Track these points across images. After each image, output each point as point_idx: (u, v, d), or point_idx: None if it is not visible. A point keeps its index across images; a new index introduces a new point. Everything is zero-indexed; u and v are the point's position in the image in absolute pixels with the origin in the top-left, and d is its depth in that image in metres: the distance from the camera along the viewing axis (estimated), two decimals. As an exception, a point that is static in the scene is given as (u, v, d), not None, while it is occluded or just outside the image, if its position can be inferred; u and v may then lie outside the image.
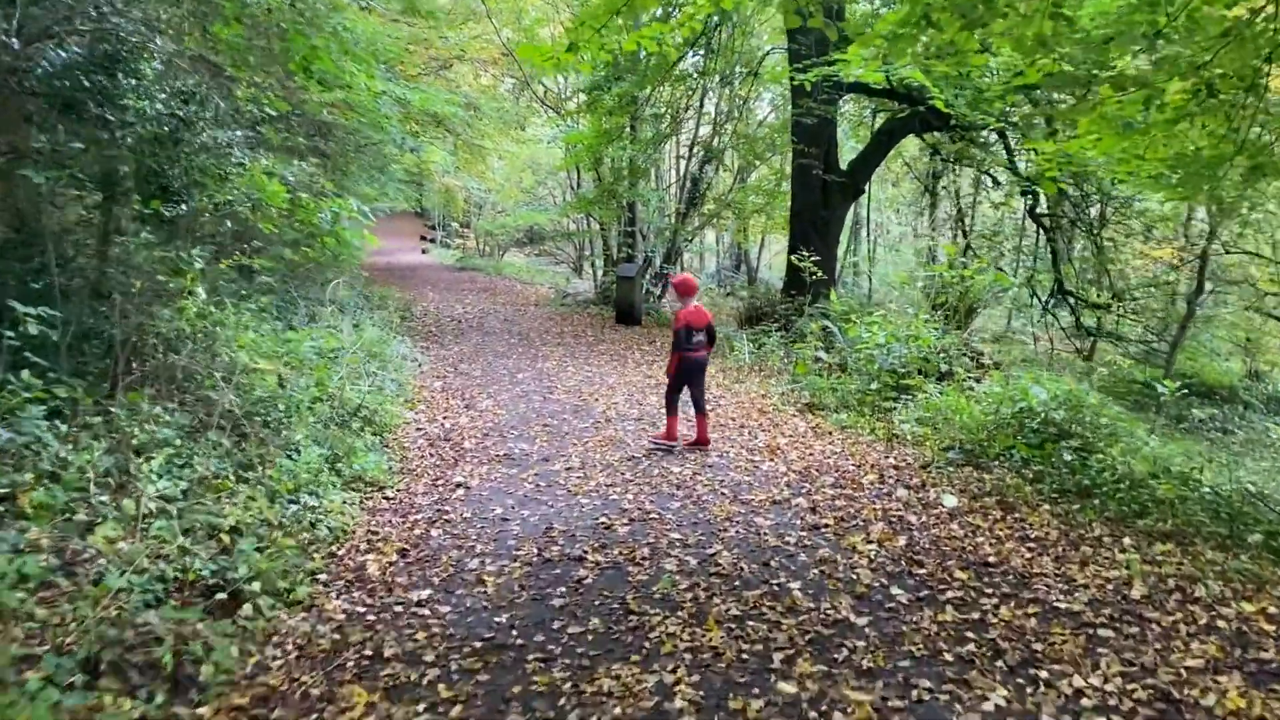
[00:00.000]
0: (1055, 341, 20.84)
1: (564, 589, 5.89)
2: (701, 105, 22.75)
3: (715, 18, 19.46)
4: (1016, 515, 7.10)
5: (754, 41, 21.73)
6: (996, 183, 18.43)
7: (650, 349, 15.92)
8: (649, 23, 7.55)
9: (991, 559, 6.26)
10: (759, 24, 21.93)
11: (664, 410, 9.47)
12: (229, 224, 7.67)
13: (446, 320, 18.83)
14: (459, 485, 8.10)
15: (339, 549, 6.60)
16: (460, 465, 8.70)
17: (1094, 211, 18.42)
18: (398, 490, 7.98)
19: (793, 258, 14.91)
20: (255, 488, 6.63)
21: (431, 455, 9.04)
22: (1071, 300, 17.60)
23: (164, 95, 7.48)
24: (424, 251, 37.98)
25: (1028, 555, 6.32)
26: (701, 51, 20.06)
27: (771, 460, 8.76)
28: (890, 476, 8.18)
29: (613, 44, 7.59)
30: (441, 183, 36.87)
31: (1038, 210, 17.67)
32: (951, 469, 8.28)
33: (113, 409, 6.61)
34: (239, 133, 8.67)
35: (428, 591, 5.90)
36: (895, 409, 10.25)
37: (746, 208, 22.59)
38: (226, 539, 5.93)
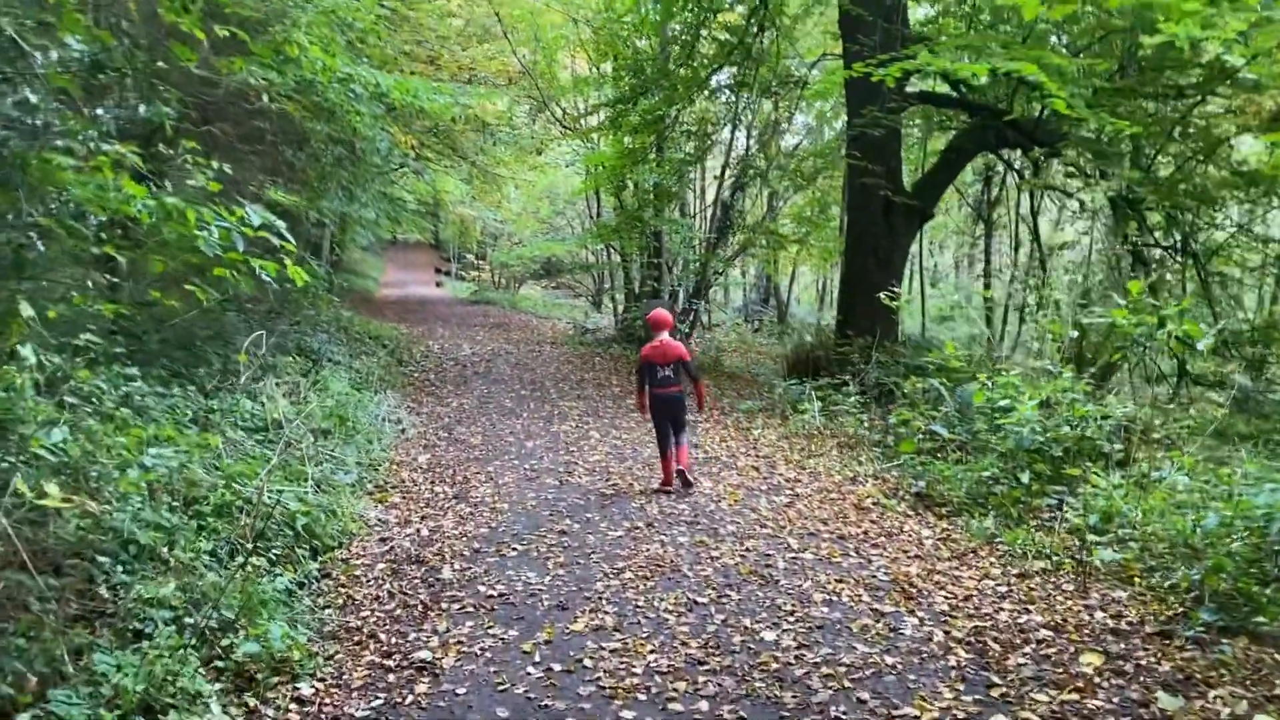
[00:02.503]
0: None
1: None
2: (735, 125, 19.50)
3: (755, 26, 16.31)
4: None
5: (788, 63, 18.47)
6: (1084, 206, 15.04)
7: (691, 404, 12.53)
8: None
9: None
10: (800, 34, 18.69)
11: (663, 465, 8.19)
12: (41, 245, 4.36)
13: (449, 364, 15.49)
14: (421, 668, 4.70)
15: None
16: (430, 619, 5.31)
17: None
18: (320, 681, 4.58)
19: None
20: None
21: (390, 598, 5.64)
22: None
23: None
24: (438, 285, 34.78)
25: None
26: (736, 65, 16.84)
27: (910, 611, 5.35)
28: (1121, 656, 4.75)
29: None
30: (456, 213, 33.74)
31: (1132, 239, 14.26)
32: (1220, 645, 4.84)
33: None
34: (107, 118, 5.40)
35: None
36: (1055, 507, 6.85)
37: (788, 236, 19.25)
38: None
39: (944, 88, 15.46)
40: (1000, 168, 20.54)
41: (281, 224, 4.87)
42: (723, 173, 20.50)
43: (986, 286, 21.02)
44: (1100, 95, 10.98)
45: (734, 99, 17.28)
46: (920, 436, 8.25)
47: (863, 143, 13.59)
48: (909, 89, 14.38)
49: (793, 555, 6.28)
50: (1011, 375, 7.79)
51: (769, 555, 6.28)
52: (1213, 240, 14.45)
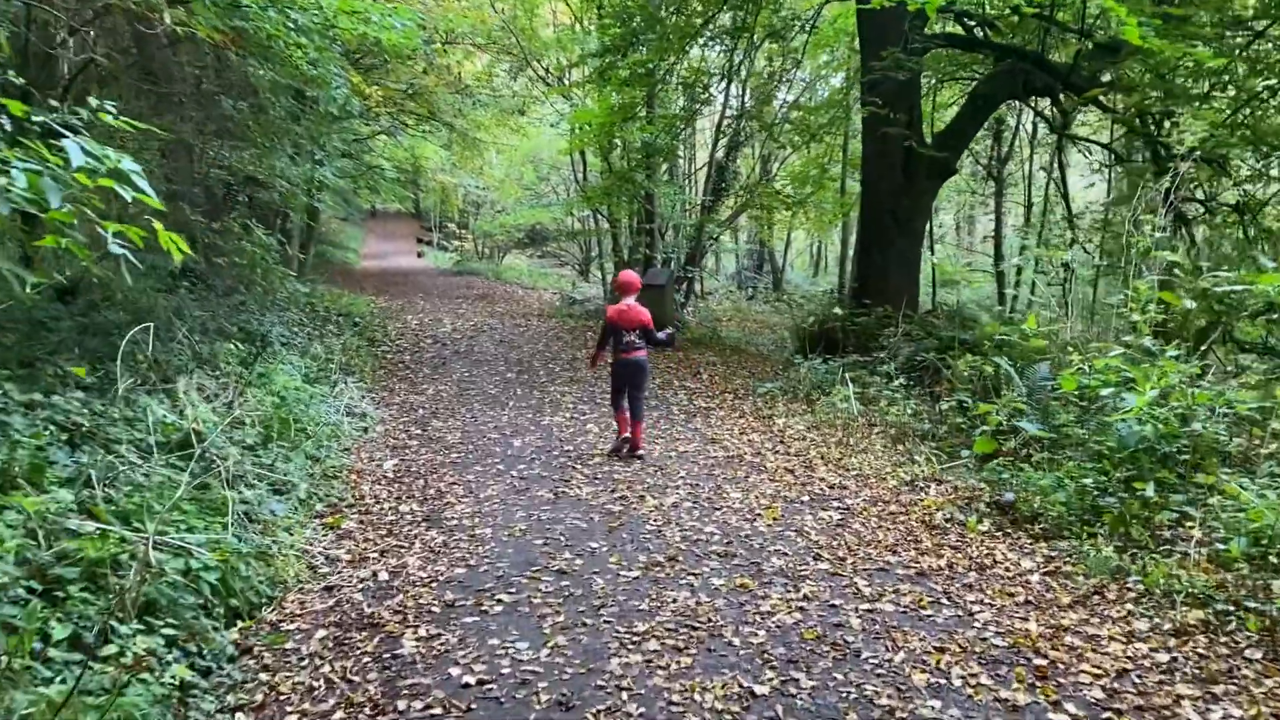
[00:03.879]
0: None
1: None
2: (731, 78, 17.65)
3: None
4: None
5: (786, 9, 16.59)
6: (1120, 159, 13.34)
7: (699, 386, 10.85)
8: None
9: None
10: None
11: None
12: None
13: (428, 343, 13.73)
14: (362, 834, 3.05)
15: None
16: (381, 731, 3.65)
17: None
18: None
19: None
20: None
21: (328, 689, 3.95)
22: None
23: None
24: (420, 255, 32.86)
25: None
26: (735, 9, 14.99)
27: (1053, 702, 3.72)
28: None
29: None
30: (436, 180, 31.75)
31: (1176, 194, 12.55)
32: None
33: None
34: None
35: None
36: (1175, 523, 5.24)
37: (790, 198, 17.53)
38: None
39: (957, 29, 13.76)
40: (1011, 120, 18.89)
41: (133, 165, 3.12)
42: (717, 131, 18.72)
43: (997, 248, 19.40)
44: (1168, 26, 9.24)
45: (732, 46, 15.39)
46: (1002, 430, 6.57)
47: (880, 90, 11.85)
48: (927, 30, 12.66)
49: (867, 606, 4.63)
50: (1112, 356, 6.13)
51: (835, 606, 4.64)
52: (1263, 193, 12.81)
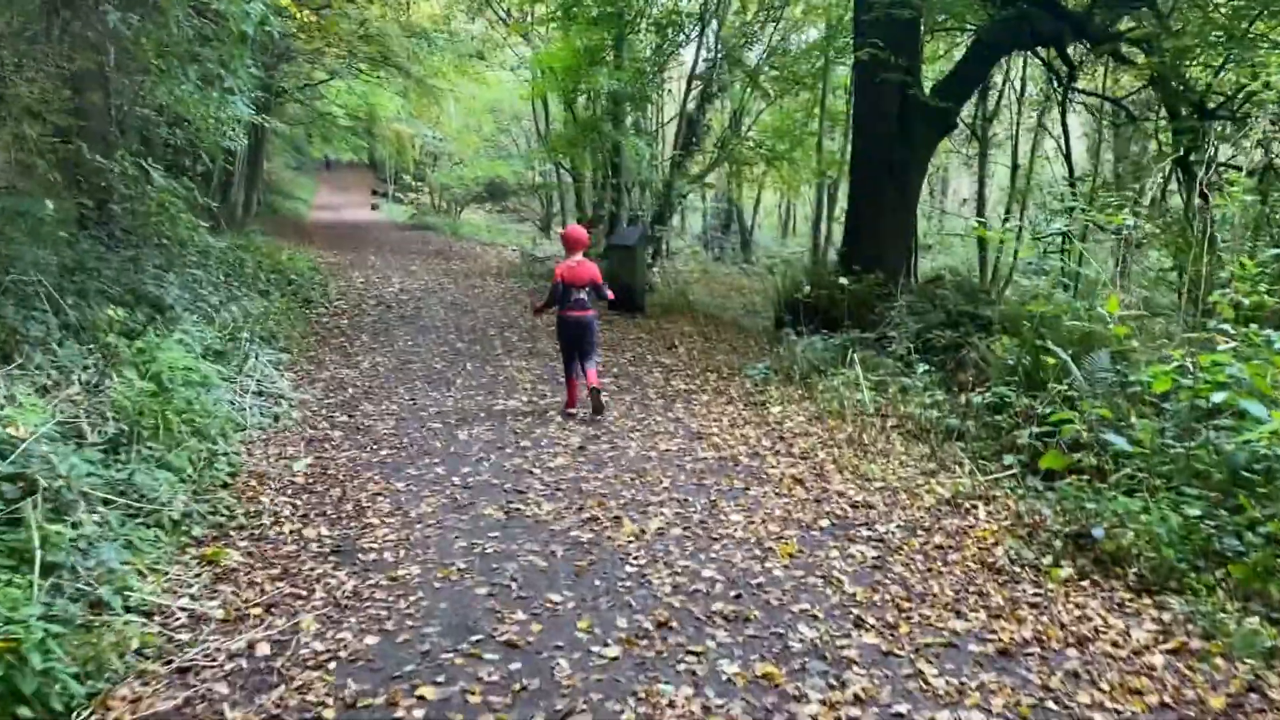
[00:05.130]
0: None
1: None
2: (705, 24, 15.99)
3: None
4: None
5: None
6: (1132, 118, 11.89)
7: (676, 363, 9.32)
8: None
9: None
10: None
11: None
12: None
13: (370, 305, 11.99)
14: None
15: None
16: None
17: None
18: None
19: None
20: None
21: None
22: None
23: None
24: (374, 208, 30.75)
25: None
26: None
27: None
28: None
29: None
30: (392, 129, 29.58)
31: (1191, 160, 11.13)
32: None
33: None
34: None
35: None
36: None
37: (772, 151, 15.96)
38: None
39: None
40: (998, 76, 17.41)
41: None
42: (689, 81, 17.04)
43: (980, 211, 18.01)
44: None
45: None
46: (1077, 443, 5.11)
47: (879, 28, 10.26)
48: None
49: (947, 716, 3.17)
50: (1221, 351, 4.69)
51: (902, 716, 3.17)
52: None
